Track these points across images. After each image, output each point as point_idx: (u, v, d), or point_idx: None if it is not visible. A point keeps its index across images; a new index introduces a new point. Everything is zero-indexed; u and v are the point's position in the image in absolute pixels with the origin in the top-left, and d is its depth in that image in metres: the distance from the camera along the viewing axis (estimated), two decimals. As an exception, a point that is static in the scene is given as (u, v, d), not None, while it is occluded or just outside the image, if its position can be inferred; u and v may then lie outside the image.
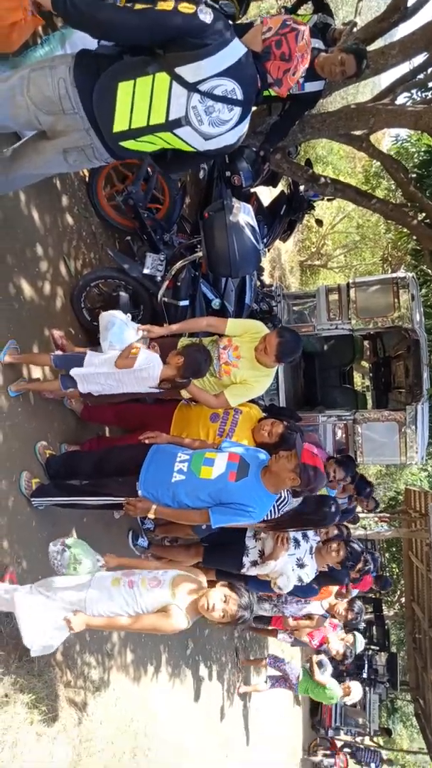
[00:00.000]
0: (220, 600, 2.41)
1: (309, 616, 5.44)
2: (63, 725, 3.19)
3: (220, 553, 4.12)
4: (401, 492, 14.68)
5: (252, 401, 4.56)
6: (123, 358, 2.99)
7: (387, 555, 15.12)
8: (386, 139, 13.83)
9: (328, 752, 9.97)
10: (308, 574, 3.96)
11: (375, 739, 11.82)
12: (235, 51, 2.23)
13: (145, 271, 3.67)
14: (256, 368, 3.43)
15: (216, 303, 4.27)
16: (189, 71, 2.20)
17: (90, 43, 2.30)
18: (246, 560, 3.99)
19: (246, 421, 3.59)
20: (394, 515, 12.81)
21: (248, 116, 2.38)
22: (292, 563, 3.93)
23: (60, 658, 3.29)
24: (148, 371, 3.00)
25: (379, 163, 7.75)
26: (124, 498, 3.16)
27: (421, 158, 6.09)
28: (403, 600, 13.53)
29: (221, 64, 2.21)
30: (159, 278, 3.71)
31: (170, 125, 2.32)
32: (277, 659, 6.65)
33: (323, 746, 10.11)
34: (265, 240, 5.31)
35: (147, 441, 3.27)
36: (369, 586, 7.29)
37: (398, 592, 14.46)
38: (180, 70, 2.19)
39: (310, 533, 4.12)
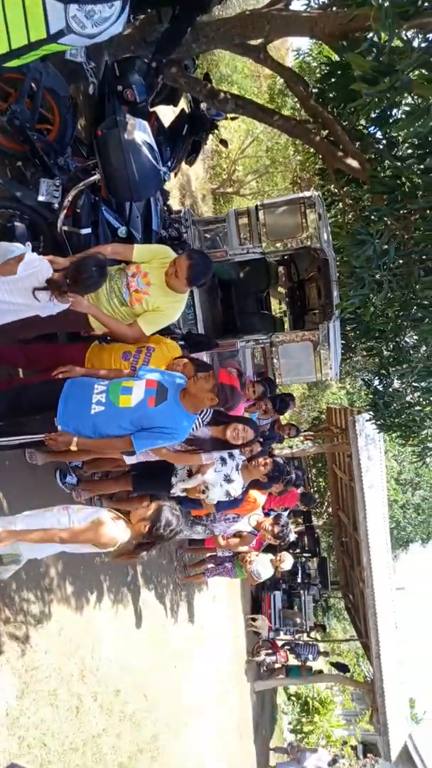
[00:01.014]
0: (146, 505, 2.54)
1: (238, 534, 5.75)
2: (6, 659, 3.26)
3: (150, 478, 4.21)
4: (324, 412, 15.44)
5: (169, 331, 4.55)
6: (6, 264, 2.81)
7: (314, 471, 16.05)
8: (289, 56, 13.43)
9: (269, 652, 10.88)
10: (236, 489, 4.17)
11: (312, 635, 12.99)
12: None
13: (40, 198, 3.46)
14: (168, 294, 3.38)
15: (122, 231, 4.12)
16: None
17: None
18: (174, 480, 4.12)
19: (159, 358, 3.59)
20: (318, 433, 13.52)
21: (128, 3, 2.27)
22: (220, 479, 4.12)
23: (-5, 597, 3.31)
24: (36, 275, 2.82)
25: (283, 81, 7.53)
26: (44, 435, 3.13)
27: (322, 72, 5.97)
28: (330, 510, 14.56)
29: None
30: (56, 205, 3.51)
31: (53, 37, 2.20)
32: (213, 569, 7.00)
33: (265, 647, 11.00)
34: (169, 163, 5.10)
35: (60, 376, 3.20)
36: (295, 502, 7.77)
37: (326, 503, 15.52)
38: None
39: (236, 452, 4.30)
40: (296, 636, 12.36)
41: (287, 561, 6.58)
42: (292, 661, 11.32)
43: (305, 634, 12.54)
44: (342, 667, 12.36)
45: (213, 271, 3.60)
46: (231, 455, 4.28)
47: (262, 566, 6.29)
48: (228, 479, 4.07)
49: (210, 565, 7.06)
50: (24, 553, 2.52)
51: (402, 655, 9.47)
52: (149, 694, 5.37)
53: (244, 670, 10.46)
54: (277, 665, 11.21)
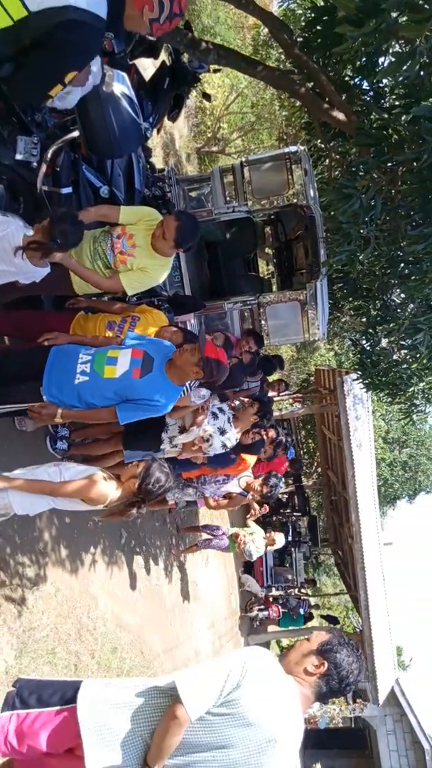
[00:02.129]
0: (136, 464, 2.58)
1: (228, 495, 5.84)
2: (3, 620, 3.32)
3: (140, 435, 4.23)
4: (312, 374, 15.52)
5: (155, 293, 4.48)
6: None
7: (303, 432, 16.24)
8: (274, 4, 12.91)
9: (262, 607, 11.22)
10: (230, 439, 4.25)
11: (302, 590, 13.38)
12: None
13: (18, 156, 3.32)
14: (154, 257, 3.33)
15: (104, 191, 4.00)
16: None
17: None
18: (165, 436, 4.15)
19: (144, 328, 3.57)
20: (307, 395, 13.61)
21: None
22: (214, 431, 4.20)
23: (-10, 561, 3.35)
24: (8, 239, 2.74)
25: (267, 31, 7.23)
26: (28, 405, 3.10)
27: (307, 19, 5.74)
28: (319, 470, 14.79)
29: None
30: (35, 164, 3.38)
31: None
32: (207, 541, 7.15)
33: (258, 603, 11.34)
34: (150, 118, 4.92)
35: (46, 343, 3.16)
36: (284, 468, 7.90)
37: (315, 463, 15.76)
38: None
39: (225, 407, 4.38)
40: (288, 591, 12.74)
41: (279, 540, 6.77)
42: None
43: (296, 590, 12.93)
44: (332, 620, 12.79)
45: (200, 233, 3.54)
46: (221, 410, 4.35)
47: (254, 547, 6.47)
48: (222, 431, 4.15)
49: (204, 535, 7.24)
50: (15, 508, 2.53)
51: (390, 606, 9.79)
52: (146, 650, 5.53)
53: (238, 625, 10.79)
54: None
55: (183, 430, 4.10)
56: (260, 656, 1.91)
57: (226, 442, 4.19)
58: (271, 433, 5.39)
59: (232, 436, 4.24)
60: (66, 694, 1.94)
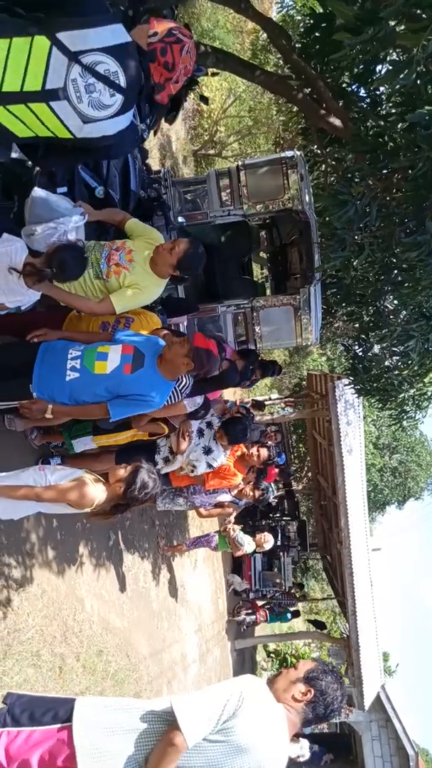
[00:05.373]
0: (123, 467, 2.57)
1: (219, 504, 5.82)
2: (-13, 621, 3.29)
3: (133, 455, 4.21)
4: (305, 378, 15.56)
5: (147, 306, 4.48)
6: None
7: (294, 437, 16.26)
8: (273, 9, 12.97)
9: (249, 611, 11.20)
10: (215, 459, 4.21)
11: (290, 593, 13.36)
12: (119, 34, 2.15)
13: (14, 155, 3.29)
14: (149, 275, 3.32)
15: (99, 191, 3.98)
16: (70, 38, 2.08)
17: None
18: (158, 458, 4.13)
19: (138, 330, 3.55)
20: (299, 399, 13.63)
21: (130, 111, 2.27)
22: (200, 451, 4.16)
23: (-25, 562, 3.31)
24: (9, 255, 2.72)
25: (266, 36, 7.27)
26: (17, 402, 3.08)
27: (306, 25, 5.77)
28: (310, 474, 14.81)
29: (105, 39, 2.11)
30: (30, 163, 3.36)
31: (46, 95, 2.12)
32: (195, 541, 7.14)
33: (245, 607, 11.31)
34: (147, 120, 4.91)
35: (36, 339, 3.13)
36: (273, 478, 7.91)
37: (305, 468, 15.78)
38: (61, 36, 2.05)
39: (215, 421, 4.33)
40: (276, 595, 12.73)
41: (269, 541, 6.77)
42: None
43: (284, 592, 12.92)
44: (319, 625, 12.78)
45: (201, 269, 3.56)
46: (209, 425, 4.31)
47: (246, 539, 6.47)
48: (207, 450, 4.11)
49: (188, 548, 7.25)
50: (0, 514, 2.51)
51: (377, 612, 9.79)
52: (131, 653, 5.49)
53: (225, 629, 10.75)
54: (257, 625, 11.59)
55: (173, 451, 4.10)
56: (255, 685, 1.98)
57: (211, 462, 4.17)
58: (264, 453, 5.33)
59: (218, 456, 4.20)
60: (59, 713, 1.92)
